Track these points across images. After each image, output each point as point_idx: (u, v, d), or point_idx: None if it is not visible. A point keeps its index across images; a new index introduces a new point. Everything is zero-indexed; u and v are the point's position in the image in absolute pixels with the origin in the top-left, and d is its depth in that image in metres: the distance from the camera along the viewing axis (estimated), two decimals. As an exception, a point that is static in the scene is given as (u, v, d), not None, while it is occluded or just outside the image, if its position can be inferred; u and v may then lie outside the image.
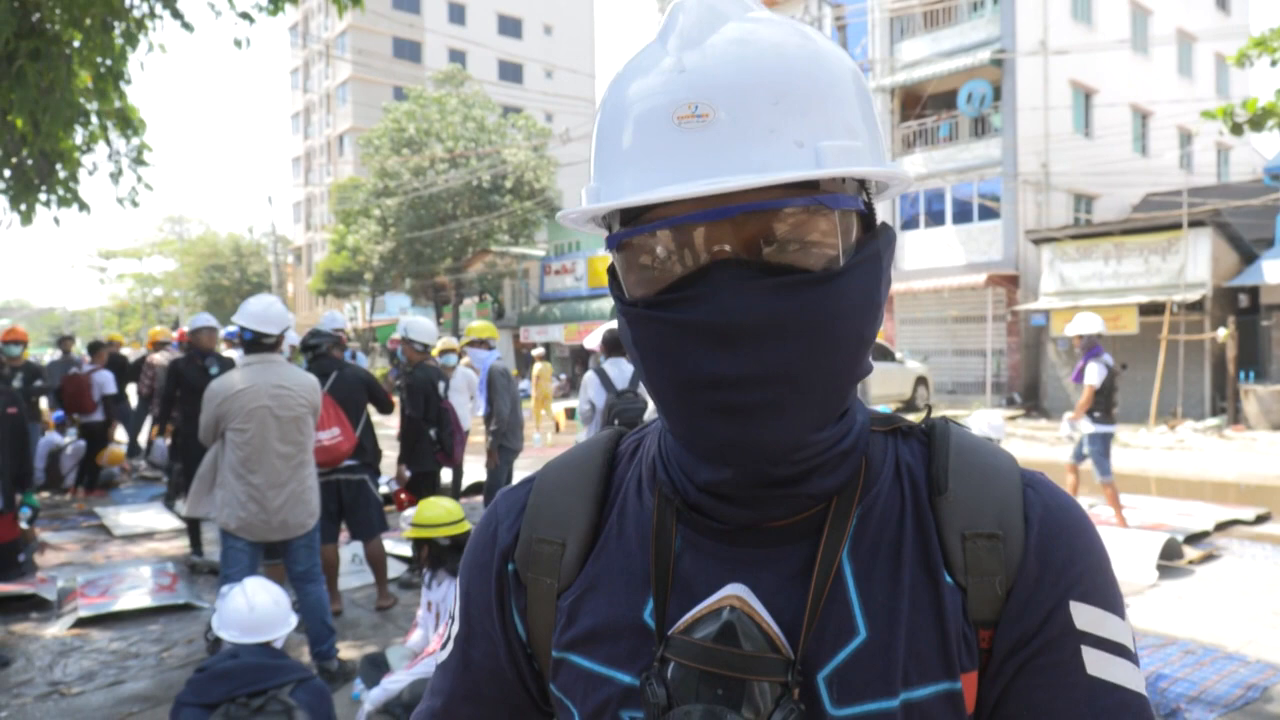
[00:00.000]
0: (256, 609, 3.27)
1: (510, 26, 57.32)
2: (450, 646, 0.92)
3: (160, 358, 9.92)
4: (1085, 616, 0.74)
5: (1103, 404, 8.03)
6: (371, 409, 6.19)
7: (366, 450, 5.97)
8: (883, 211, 23.82)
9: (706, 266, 0.68)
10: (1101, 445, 7.87)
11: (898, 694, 0.70)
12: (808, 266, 0.68)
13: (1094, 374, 8.03)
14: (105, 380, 10.81)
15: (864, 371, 0.74)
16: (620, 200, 0.67)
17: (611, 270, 0.77)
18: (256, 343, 4.74)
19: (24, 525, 5.72)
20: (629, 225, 0.71)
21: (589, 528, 0.83)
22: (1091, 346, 8.12)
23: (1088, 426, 8.03)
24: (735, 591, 0.72)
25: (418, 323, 6.93)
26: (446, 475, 7.69)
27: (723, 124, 0.65)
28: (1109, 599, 0.75)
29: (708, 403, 0.69)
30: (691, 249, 0.68)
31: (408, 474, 6.90)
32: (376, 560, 6.06)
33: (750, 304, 0.66)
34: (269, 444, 4.60)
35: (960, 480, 0.77)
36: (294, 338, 8.39)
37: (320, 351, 6.14)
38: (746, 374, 0.67)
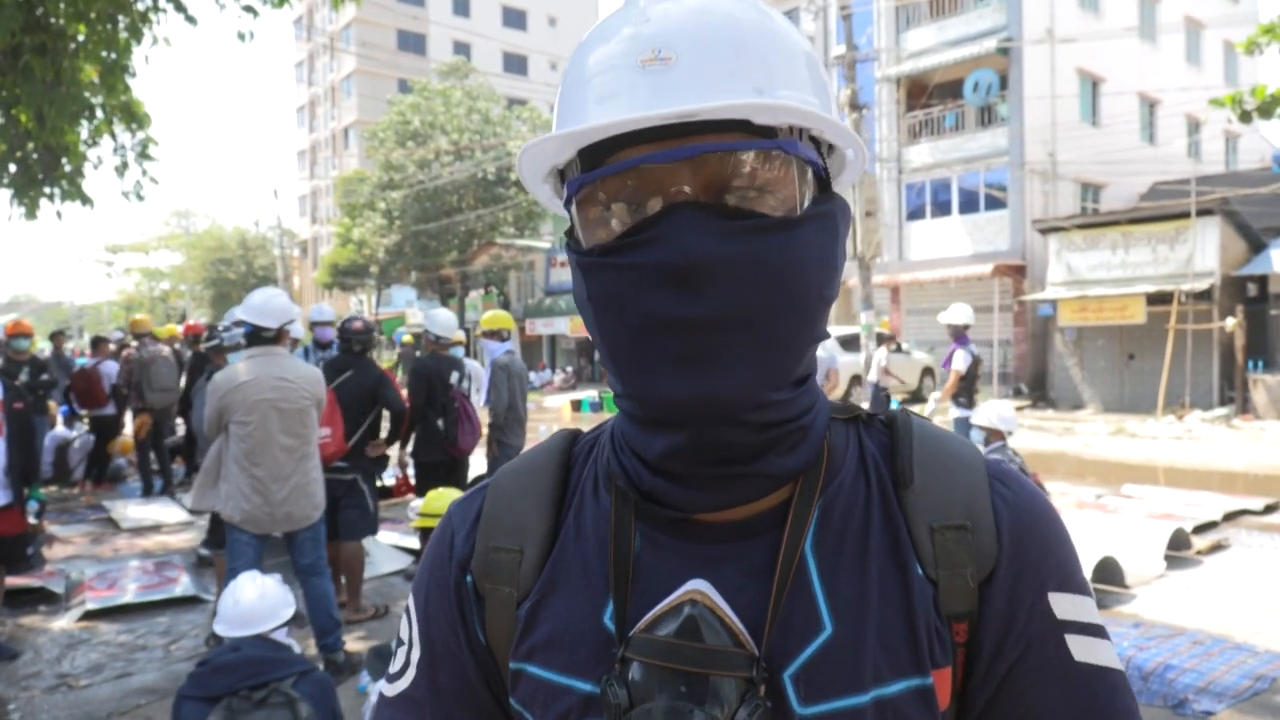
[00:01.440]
0: (241, 603, 3.29)
1: (515, 18, 57.20)
2: (410, 674, 0.84)
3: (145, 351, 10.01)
4: (1064, 605, 0.74)
5: (966, 390, 8.52)
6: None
7: (361, 454, 5.86)
8: (888, 202, 23.74)
9: (664, 210, 0.67)
10: (963, 430, 7.96)
11: (868, 690, 0.69)
12: (765, 212, 0.68)
13: (960, 360, 8.49)
14: (110, 371, 10.88)
15: (821, 334, 0.73)
16: (575, 126, 0.67)
17: (569, 231, 0.76)
18: (256, 336, 4.75)
19: (32, 519, 5.73)
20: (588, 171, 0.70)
21: (547, 532, 0.80)
22: (959, 335, 8.60)
23: (955, 412, 8.48)
24: (697, 587, 0.70)
25: (439, 316, 6.92)
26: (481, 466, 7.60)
27: (685, 67, 0.66)
28: (1080, 582, 0.76)
29: (662, 350, 0.67)
30: (649, 193, 0.68)
31: (408, 460, 6.87)
32: (349, 564, 5.84)
33: (708, 245, 0.65)
34: (272, 436, 4.60)
35: (925, 472, 0.76)
36: (299, 330, 8.33)
37: (349, 349, 6.03)
38: (702, 315, 0.65)
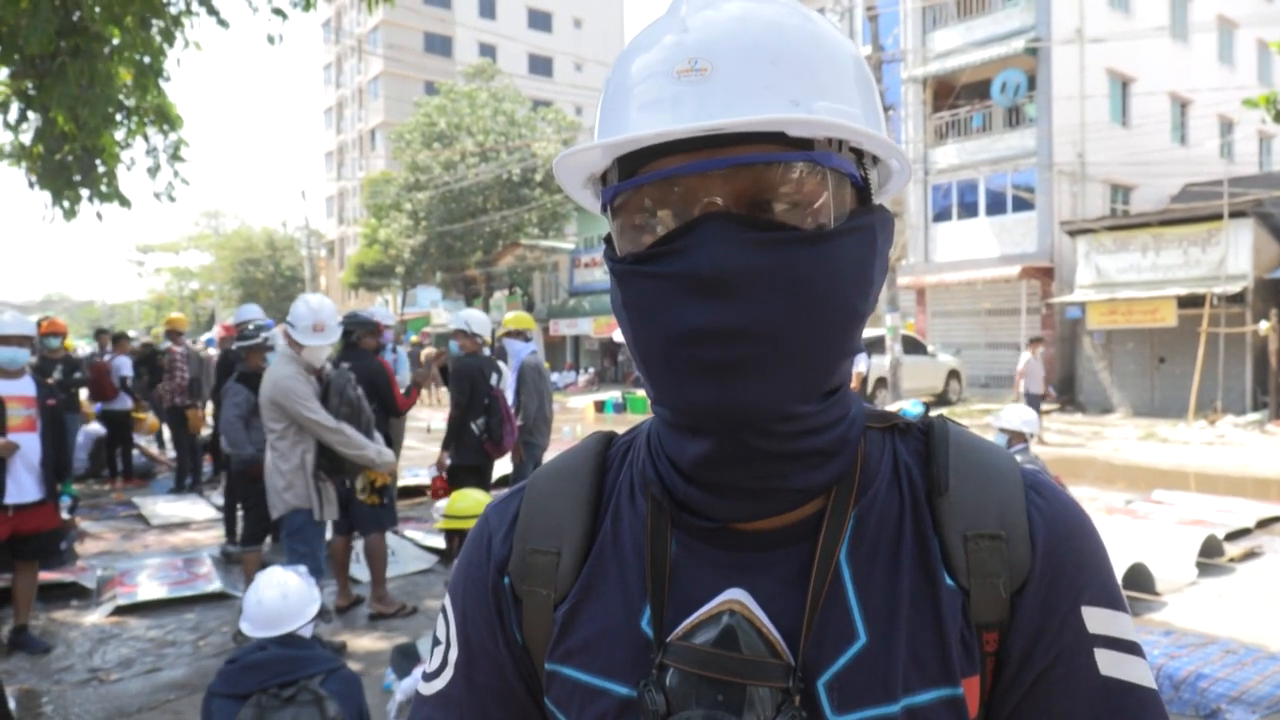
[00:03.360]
0: (264, 603, 3.29)
1: (540, 20, 57.39)
2: (448, 673, 0.85)
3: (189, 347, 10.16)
4: (1097, 619, 0.73)
5: (861, 393, 8.45)
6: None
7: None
8: (914, 203, 23.58)
9: (697, 219, 0.67)
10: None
11: (898, 699, 0.69)
12: (798, 225, 0.68)
13: (861, 362, 8.43)
14: (121, 364, 11.06)
15: (855, 346, 0.73)
16: (610, 138, 0.68)
17: (607, 238, 0.77)
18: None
19: (64, 515, 5.82)
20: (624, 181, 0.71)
21: (583, 535, 0.81)
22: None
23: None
24: (735, 596, 0.71)
25: (474, 315, 6.92)
26: (505, 467, 7.58)
27: (720, 78, 0.66)
28: (1115, 597, 0.75)
29: (692, 360, 0.67)
30: (683, 203, 0.68)
31: (448, 462, 6.84)
32: (371, 556, 5.88)
33: (738, 256, 0.65)
34: None
35: (961, 480, 0.76)
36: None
37: (350, 340, 6.08)
38: (731, 326, 0.66)
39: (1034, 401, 12.38)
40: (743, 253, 0.65)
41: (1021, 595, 0.72)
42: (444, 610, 0.88)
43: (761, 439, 0.69)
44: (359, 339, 6.17)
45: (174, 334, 10.89)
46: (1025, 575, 0.73)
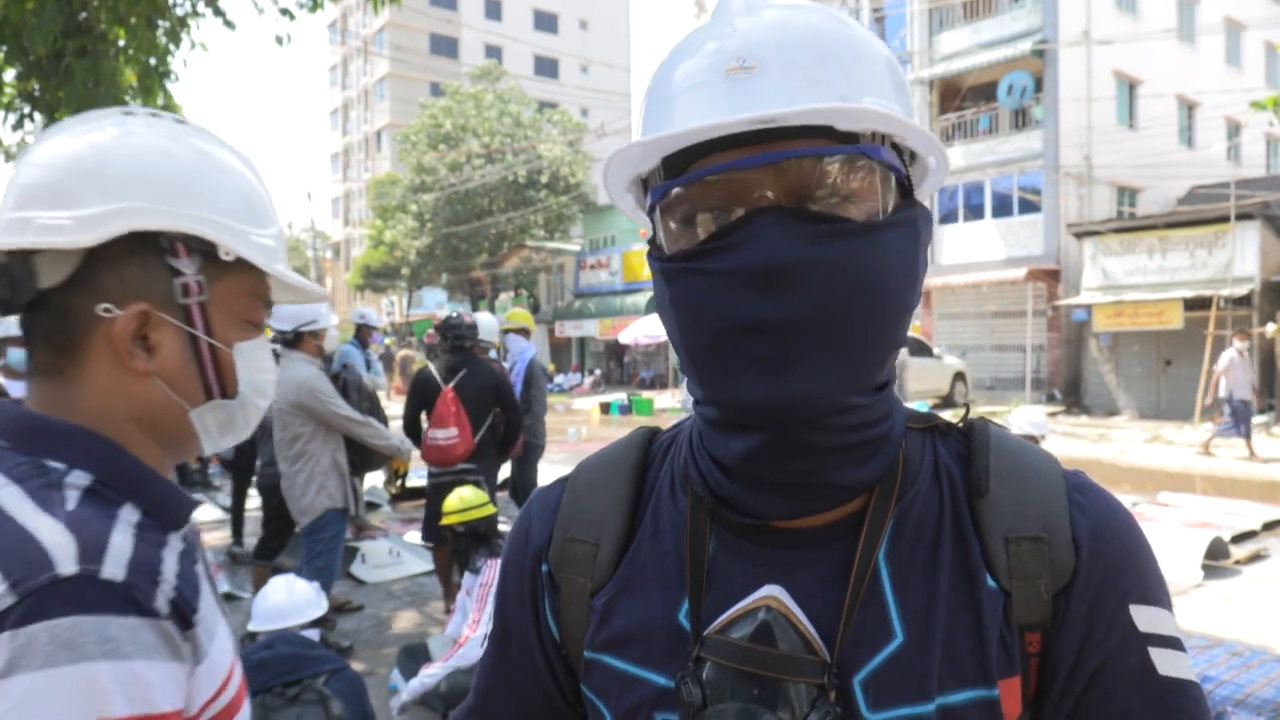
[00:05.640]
0: (269, 598, 3.47)
1: (546, 22, 57.49)
2: (487, 645, 0.93)
3: None
4: (1146, 618, 0.73)
5: None
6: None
7: (484, 454, 5.65)
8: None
9: (749, 214, 0.68)
10: None
11: (933, 698, 0.69)
12: (848, 217, 0.69)
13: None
14: None
15: (902, 340, 0.73)
16: (664, 131, 0.68)
17: (651, 239, 0.78)
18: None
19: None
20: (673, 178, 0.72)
21: (623, 528, 0.83)
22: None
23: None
24: (772, 592, 0.72)
25: (485, 321, 6.79)
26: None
27: (769, 75, 0.67)
28: (1162, 596, 0.75)
29: (745, 353, 0.68)
30: (735, 198, 0.69)
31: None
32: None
33: (791, 248, 0.66)
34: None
35: (1001, 482, 0.76)
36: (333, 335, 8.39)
37: (461, 346, 5.78)
38: (786, 318, 0.66)
39: (1242, 412, 10.61)
40: (796, 245, 0.66)
41: (1067, 597, 0.73)
42: (495, 584, 0.95)
43: (814, 432, 0.69)
44: (470, 346, 5.92)
45: None
46: (1069, 577, 0.73)
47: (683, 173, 0.70)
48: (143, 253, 0.89)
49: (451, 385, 5.49)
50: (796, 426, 0.69)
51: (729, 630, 0.71)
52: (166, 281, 0.91)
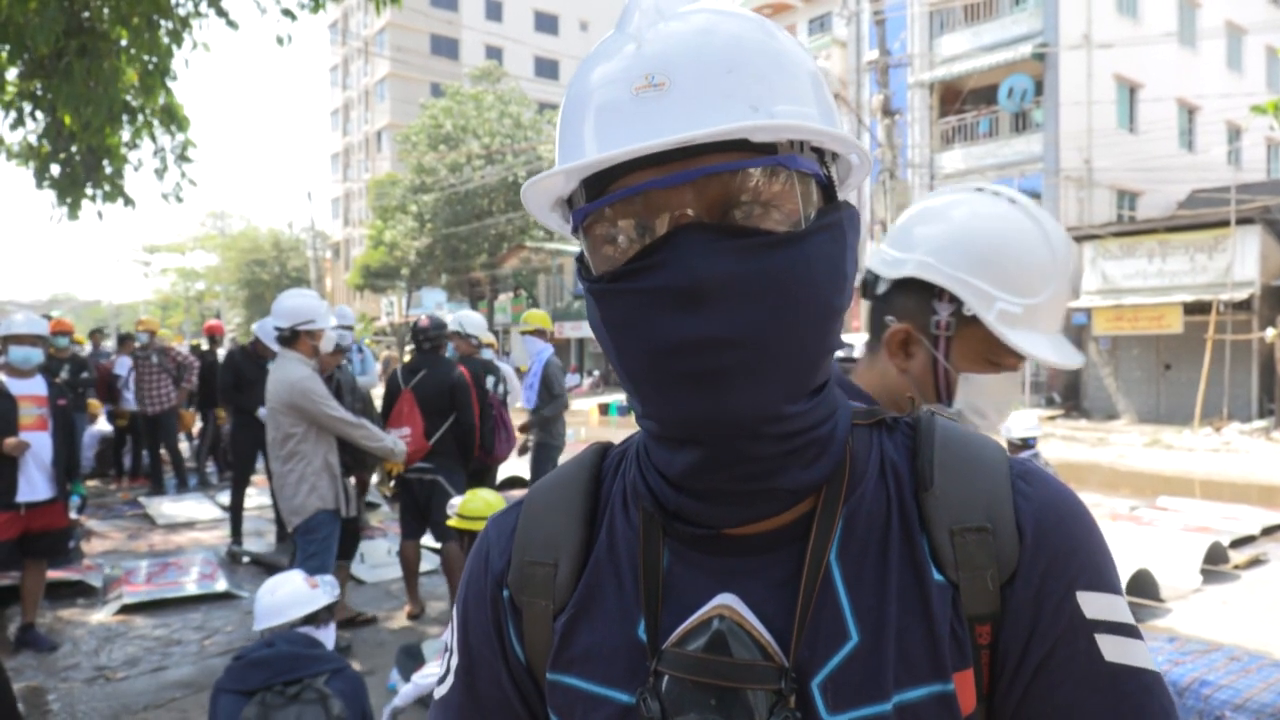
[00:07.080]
0: (274, 594, 3.44)
1: (546, 23, 57.48)
2: (450, 680, 0.88)
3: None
4: (1094, 605, 0.72)
5: None
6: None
7: (443, 454, 5.71)
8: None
9: (670, 233, 0.67)
10: None
11: (890, 697, 0.69)
12: (770, 229, 0.68)
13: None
14: (122, 365, 11.08)
15: (835, 343, 0.73)
16: (575, 161, 0.67)
17: (580, 257, 0.77)
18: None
19: (73, 514, 5.85)
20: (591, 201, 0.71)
21: (580, 546, 0.82)
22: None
23: None
24: (725, 601, 0.72)
25: (470, 317, 6.84)
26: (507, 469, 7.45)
27: (678, 91, 0.66)
28: (1111, 581, 0.75)
29: (676, 370, 0.67)
30: (655, 217, 0.68)
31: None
32: (449, 564, 5.76)
33: (715, 264, 0.66)
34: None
35: (946, 474, 0.76)
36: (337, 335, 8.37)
37: (421, 348, 5.85)
38: (714, 335, 0.66)
39: None
40: (719, 261, 0.66)
41: (1012, 586, 0.72)
42: (453, 617, 0.90)
43: (753, 443, 0.69)
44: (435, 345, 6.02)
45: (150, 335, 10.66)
46: (1014, 566, 0.72)
47: (603, 193, 0.69)
48: (920, 293, 1.34)
49: (409, 386, 5.56)
50: (734, 439, 0.69)
51: (685, 643, 0.71)
52: (927, 316, 1.34)
